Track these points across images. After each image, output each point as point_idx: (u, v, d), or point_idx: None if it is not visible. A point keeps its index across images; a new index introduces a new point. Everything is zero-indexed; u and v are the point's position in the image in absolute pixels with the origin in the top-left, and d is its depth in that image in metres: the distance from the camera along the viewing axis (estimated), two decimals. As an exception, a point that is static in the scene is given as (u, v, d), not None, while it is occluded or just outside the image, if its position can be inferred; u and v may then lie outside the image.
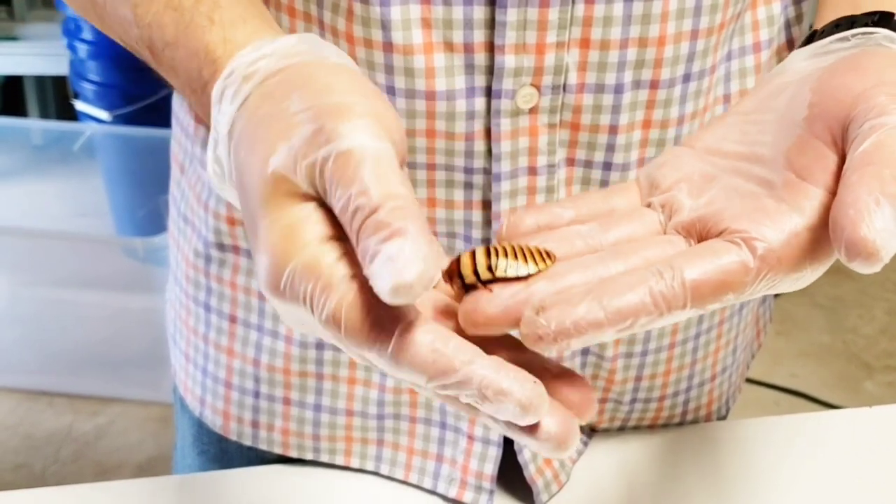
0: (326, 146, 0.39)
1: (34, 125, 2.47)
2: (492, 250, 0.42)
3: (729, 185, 0.45)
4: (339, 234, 0.40)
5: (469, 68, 0.57)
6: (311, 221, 0.40)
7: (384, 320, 0.38)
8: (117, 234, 2.30)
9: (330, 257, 0.39)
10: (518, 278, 0.42)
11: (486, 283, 0.42)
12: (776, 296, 0.82)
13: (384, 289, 0.36)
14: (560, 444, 0.40)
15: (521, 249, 0.42)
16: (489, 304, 0.41)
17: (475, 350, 0.39)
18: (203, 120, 0.47)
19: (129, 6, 0.51)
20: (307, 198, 0.40)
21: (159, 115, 2.10)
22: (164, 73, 0.51)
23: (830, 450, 0.77)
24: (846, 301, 2.47)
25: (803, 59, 0.49)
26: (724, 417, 0.79)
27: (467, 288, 0.42)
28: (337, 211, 0.39)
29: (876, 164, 0.39)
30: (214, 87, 0.44)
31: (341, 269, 0.39)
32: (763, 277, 0.41)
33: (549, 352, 0.40)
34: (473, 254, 0.42)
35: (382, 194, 0.37)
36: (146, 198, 2.18)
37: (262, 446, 0.74)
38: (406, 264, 0.36)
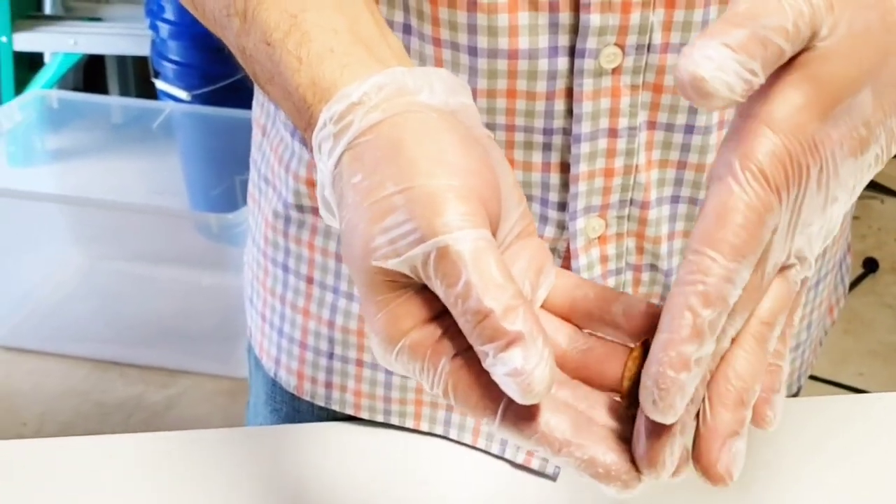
0: (424, 244, 0.40)
1: (114, 103, 2.50)
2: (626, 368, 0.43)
3: None
4: (440, 312, 0.42)
5: (553, 27, 0.57)
6: (412, 306, 0.42)
7: (490, 396, 0.40)
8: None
9: (431, 339, 0.42)
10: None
11: (630, 391, 0.42)
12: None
13: (514, 396, 0.39)
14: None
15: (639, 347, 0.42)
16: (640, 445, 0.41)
17: (576, 424, 0.40)
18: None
19: (233, 35, 0.51)
20: (408, 284, 0.42)
21: (237, 96, 2.11)
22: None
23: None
24: (916, 302, 2.42)
25: None
26: (796, 394, 0.79)
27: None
28: (445, 303, 0.41)
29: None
30: (312, 137, 0.45)
31: (443, 350, 0.41)
32: (759, 192, 0.37)
33: (673, 407, 0.38)
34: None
35: (489, 295, 0.39)
36: (221, 177, 2.20)
37: (335, 407, 0.75)
38: (533, 376, 0.38)
